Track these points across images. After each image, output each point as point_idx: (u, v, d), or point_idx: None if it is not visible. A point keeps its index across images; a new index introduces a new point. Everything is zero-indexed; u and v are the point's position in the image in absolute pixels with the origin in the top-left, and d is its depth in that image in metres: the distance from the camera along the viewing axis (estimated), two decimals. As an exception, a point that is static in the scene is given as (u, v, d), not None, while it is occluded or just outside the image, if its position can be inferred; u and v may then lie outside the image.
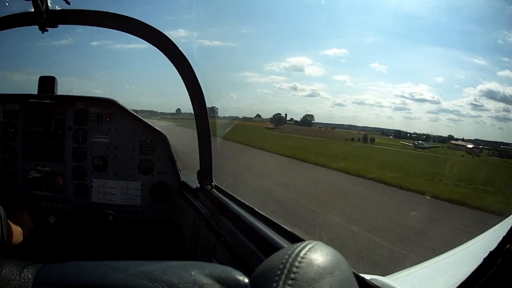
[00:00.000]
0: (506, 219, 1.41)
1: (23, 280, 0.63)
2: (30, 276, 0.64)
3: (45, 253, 2.29)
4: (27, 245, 1.89)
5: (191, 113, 2.20)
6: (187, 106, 2.21)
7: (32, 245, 2.07)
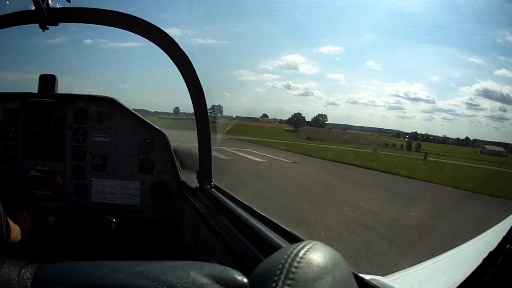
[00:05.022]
0: (506, 219, 1.41)
1: (21, 279, 0.63)
2: (29, 275, 0.64)
3: (44, 253, 2.29)
4: (26, 245, 1.89)
5: (191, 113, 2.17)
6: (186, 105, 2.18)
7: (32, 244, 2.07)
